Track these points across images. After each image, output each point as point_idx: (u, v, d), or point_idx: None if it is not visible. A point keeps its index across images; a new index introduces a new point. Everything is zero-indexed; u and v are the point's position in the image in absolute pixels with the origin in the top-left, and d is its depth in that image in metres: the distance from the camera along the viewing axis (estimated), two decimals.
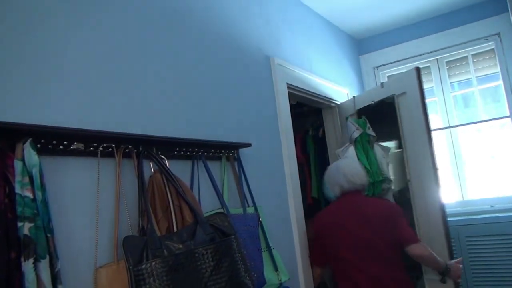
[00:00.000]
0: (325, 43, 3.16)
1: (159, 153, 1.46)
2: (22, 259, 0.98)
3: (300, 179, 2.43)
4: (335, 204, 2.27)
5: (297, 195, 2.34)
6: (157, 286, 1.14)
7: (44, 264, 1.02)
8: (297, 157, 3.39)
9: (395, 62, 3.60)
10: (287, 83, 2.46)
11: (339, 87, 3.16)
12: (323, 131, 3.29)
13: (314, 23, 3.08)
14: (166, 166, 1.44)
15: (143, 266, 1.15)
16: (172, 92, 1.63)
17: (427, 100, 3.49)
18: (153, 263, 1.16)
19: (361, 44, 3.80)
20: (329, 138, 3.21)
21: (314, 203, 3.37)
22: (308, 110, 3.46)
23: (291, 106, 2.90)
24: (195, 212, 1.38)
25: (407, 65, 3.56)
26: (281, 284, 1.81)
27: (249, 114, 2.10)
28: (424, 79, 3.50)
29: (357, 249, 2.07)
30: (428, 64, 3.57)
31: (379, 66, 3.68)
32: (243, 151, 1.94)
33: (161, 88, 1.59)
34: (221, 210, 1.56)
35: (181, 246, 1.25)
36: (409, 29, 3.57)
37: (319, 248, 2.24)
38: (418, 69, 2.49)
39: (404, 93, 2.56)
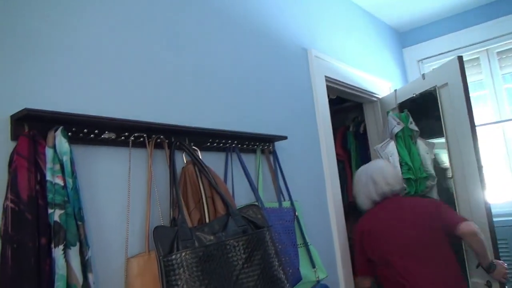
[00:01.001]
0: (366, 36, 3.06)
1: (192, 144, 1.44)
2: (53, 246, 0.99)
3: (341, 176, 2.35)
4: (376, 208, 2.15)
5: (336, 192, 2.27)
6: (187, 277, 1.12)
7: (74, 251, 1.01)
8: (338, 154, 3.32)
9: (440, 54, 3.44)
10: (325, 76, 2.39)
11: (381, 80, 3.05)
12: (365, 126, 3.19)
13: (355, 15, 2.99)
14: (199, 157, 1.42)
15: (173, 256, 1.13)
16: (206, 83, 1.61)
17: (477, 94, 3.34)
18: (183, 254, 1.14)
19: (404, 37, 3.66)
20: (370, 133, 3.10)
21: (355, 201, 3.27)
22: (350, 105, 3.36)
23: (332, 101, 2.83)
24: (227, 203, 1.35)
25: (454, 56, 3.38)
26: (318, 281, 1.75)
27: (285, 107, 2.05)
28: (473, 71, 3.36)
29: (406, 252, 1.94)
30: (477, 56, 3.38)
31: (423, 59, 3.53)
32: (279, 145, 1.89)
33: (195, 79, 1.57)
34: (255, 203, 1.52)
35: (212, 237, 1.23)
36: (454, 20, 3.40)
37: (363, 256, 2.10)
38: (460, 58, 2.35)
39: (446, 84, 2.42)
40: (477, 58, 3.37)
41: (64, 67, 1.17)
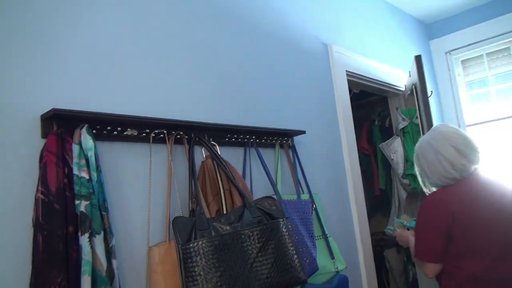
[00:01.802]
0: (389, 29, 3.05)
1: (211, 139, 1.51)
2: (79, 234, 1.08)
3: (367, 170, 2.36)
4: (459, 187, 1.66)
5: (358, 187, 2.29)
6: (204, 264, 1.19)
7: (99, 239, 1.10)
8: (364, 148, 3.33)
9: (469, 45, 3.38)
10: (346, 71, 2.41)
11: (405, 74, 3.03)
12: (390, 120, 3.19)
13: (378, 8, 2.98)
14: (217, 152, 1.49)
15: (191, 245, 1.21)
16: (226, 80, 1.68)
17: (506, 85, 3.26)
18: (200, 243, 1.21)
19: (431, 28, 3.61)
20: (395, 127, 3.09)
21: (381, 195, 3.27)
22: (375, 99, 3.36)
23: (357, 95, 2.85)
24: (243, 196, 1.41)
25: (483, 47, 3.33)
26: (337, 272, 1.79)
27: (306, 103, 2.09)
28: (503, 61, 3.28)
29: (492, 244, 1.58)
30: (507, 45, 3.30)
31: (451, 51, 3.47)
32: (299, 140, 1.94)
33: (215, 76, 1.64)
34: (271, 195, 1.57)
35: (228, 227, 1.29)
36: (483, 9, 3.32)
37: (445, 241, 1.61)
38: (418, 57, 2.50)
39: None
40: (507, 48, 3.29)
41: (89, 69, 1.27)
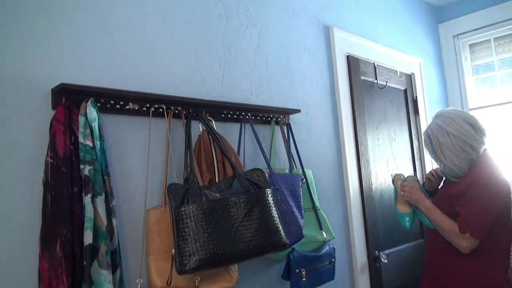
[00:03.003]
0: (395, 12, 3.08)
1: (207, 115, 1.64)
2: (83, 194, 1.23)
3: None
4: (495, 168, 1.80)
5: (353, 166, 2.40)
6: (194, 225, 1.33)
7: (100, 200, 1.25)
8: None
9: (477, 29, 3.38)
10: (348, 53, 2.49)
11: (410, 57, 3.08)
12: None
13: None
14: (213, 127, 1.62)
15: (183, 208, 1.35)
16: (225, 59, 1.79)
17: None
18: (191, 207, 1.35)
19: (441, 12, 3.62)
20: None
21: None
22: None
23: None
24: (234, 167, 1.54)
25: (491, 31, 3.34)
26: (325, 242, 1.92)
27: (306, 84, 2.19)
28: (510, 46, 3.30)
29: None
30: None
31: (459, 35, 3.49)
32: (297, 119, 2.06)
33: (215, 55, 1.76)
34: (259, 168, 1.67)
35: (218, 194, 1.43)
36: None
37: (494, 219, 1.73)
38: (348, 57, 2.52)
39: None
40: None
41: (96, 47, 1.40)
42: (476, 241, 1.73)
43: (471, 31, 3.43)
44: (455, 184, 1.85)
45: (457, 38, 3.51)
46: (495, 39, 3.38)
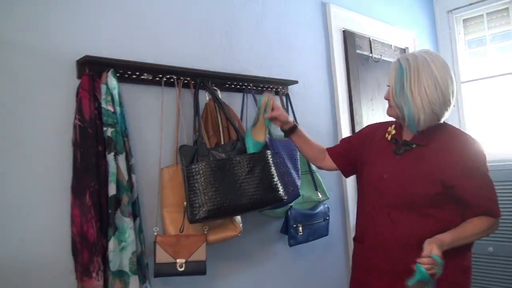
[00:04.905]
0: None
1: (213, 85, 1.80)
2: (107, 152, 1.41)
3: None
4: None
5: (347, 133, 2.58)
6: (202, 181, 1.52)
7: (121, 158, 1.44)
8: None
9: (470, 4, 3.50)
10: (343, 28, 2.63)
11: (404, 31, 3.22)
12: None
13: None
14: (218, 96, 1.79)
15: (193, 166, 1.54)
16: (231, 33, 1.95)
17: (504, 44, 3.42)
18: (200, 165, 1.54)
19: None
20: None
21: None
22: None
23: None
24: (238, 132, 1.72)
25: (484, 6, 3.46)
26: (320, 202, 2.11)
27: (302, 57, 2.35)
28: (502, 21, 3.43)
29: None
30: (507, 6, 3.43)
31: (452, 10, 3.61)
32: (295, 90, 2.23)
33: (222, 30, 1.91)
34: None
35: (223, 155, 1.62)
36: None
37: None
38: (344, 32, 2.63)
39: None
40: (506, 9, 3.42)
41: (116, 22, 1.56)
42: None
43: (464, 6, 3.55)
44: (431, 152, 1.51)
45: (451, 13, 3.64)
46: (488, 14, 3.50)
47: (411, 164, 1.54)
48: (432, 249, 1.35)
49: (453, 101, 1.49)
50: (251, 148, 1.67)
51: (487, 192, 1.49)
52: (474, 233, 1.49)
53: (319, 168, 1.91)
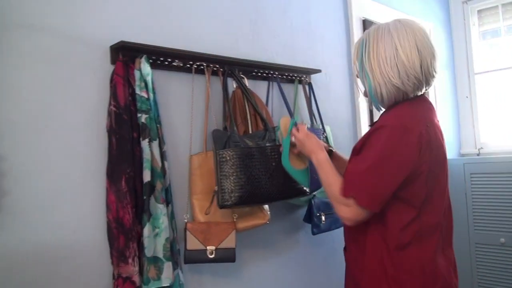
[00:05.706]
0: None
1: (240, 73, 1.80)
2: (141, 139, 1.41)
3: None
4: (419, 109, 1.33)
5: (366, 122, 2.58)
6: (234, 167, 1.52)
7: (155, 144, 1.44)
8: None
9: None
10: (363, 17, 2.62)
11: (422, 21, 3.20)
12: None
13: None
14: (245, 84, 1.78)
15: (226, 151, 1.54)
16: (258, 22, 1.94)
17: None
18: (231, 151, 1.54)
19: None
20: None
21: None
22: None
23: None
24: (265, 121, 1.72)
25: None
26: None
27: (324, 46, 2.34)
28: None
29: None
30: None
31: (467, 0, 3.59)
32: (317, 79, 2.22)
33: (249, 19, 1.90)
34: None
35: (253, 143, 1.62)
36: None
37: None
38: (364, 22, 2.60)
39: None
40: None
41: (149, 9, 1.55)
42: (363, 212, 1.25)
43: None
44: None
45: (466, 3, 3.61)
46: (503, 5, 3.48)
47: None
48: (303, 129, 1.49)
49: (425, 73, 1.26)
50: (305, 183, 1.60)
51: (368, 163, 1.23)
52: (324, 180, 1.40)
53: None
